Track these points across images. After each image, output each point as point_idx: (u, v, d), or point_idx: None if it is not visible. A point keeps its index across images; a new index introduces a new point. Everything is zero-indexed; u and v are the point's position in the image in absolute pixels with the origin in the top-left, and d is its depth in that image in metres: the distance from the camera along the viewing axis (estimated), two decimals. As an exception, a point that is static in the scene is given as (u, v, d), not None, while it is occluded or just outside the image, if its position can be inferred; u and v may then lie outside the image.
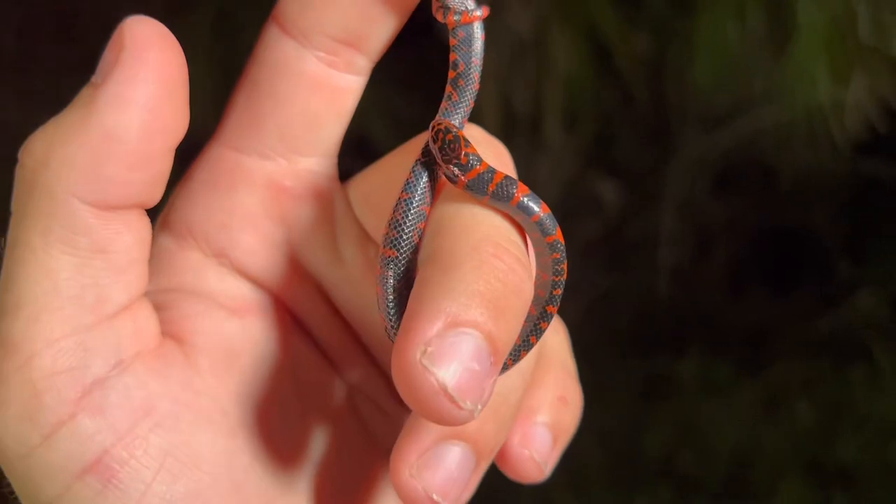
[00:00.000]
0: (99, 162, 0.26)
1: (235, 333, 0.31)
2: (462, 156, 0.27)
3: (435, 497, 0.27)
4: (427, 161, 0.28)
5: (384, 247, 0.28)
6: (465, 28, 0.29)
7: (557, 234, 0.28)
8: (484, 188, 0.27)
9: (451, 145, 0.27)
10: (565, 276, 0.28)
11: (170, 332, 0.30)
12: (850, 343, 1.17)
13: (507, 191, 0.27)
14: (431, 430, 0.28)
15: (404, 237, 0.28)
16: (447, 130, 0.28)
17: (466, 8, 0.29)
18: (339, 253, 0.32)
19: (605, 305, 1.17)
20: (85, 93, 0.27)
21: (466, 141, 0.28)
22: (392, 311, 0.28)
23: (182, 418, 0.29)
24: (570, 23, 1.08)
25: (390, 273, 0.27)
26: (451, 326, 0.23)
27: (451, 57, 0.29)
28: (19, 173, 0.27)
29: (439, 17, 0.29)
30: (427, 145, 0.28)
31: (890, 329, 1.17)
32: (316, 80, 0.30)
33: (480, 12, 0.29)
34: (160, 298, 0.31)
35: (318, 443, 0.32)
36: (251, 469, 0.30)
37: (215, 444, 0.29)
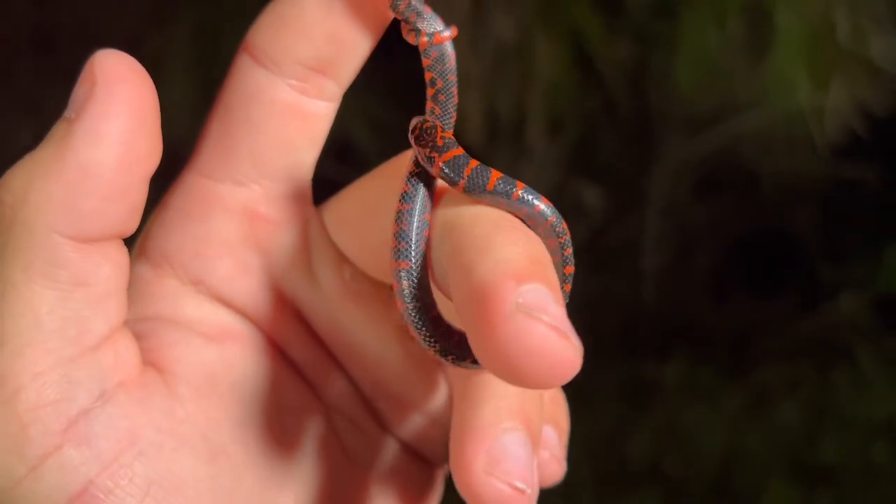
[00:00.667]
0: (77, 196, 0.27)
1: (214, 360, 0.32)
2: (438, 138, 0.28)
3: (520, 485, 0.27)
4: (420, 172, 0.28)
5: (395, 260, 0.28)
6: (437, 48, 0.29)
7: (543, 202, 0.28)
8: (460, 171, 0.27)
9: (429, 131, 0.28)
10: (570, 248, 0.29)
11: (150, 361, 0.31)
12: (833, 345, 1.17)
13: (483, 176, 0.27)
14: (487, 425, 0.28)
15: (413, 246, 0.28)
16: (424, 121, 0.29)
17: (436, 29, 0.29)
18: (314, 276, 0.33)
19: (590, 310, 1.17)
20: (59, 128, 0.27)
21: (444, 128, 0.28)
22: (418, 319, 0.28)
23: (165, 446, 0.29)
24: (553, 30, 1.08)
25: (406, 284, 0.28)
26: (521, 281, 0.23)
27: (427, 76, 0.30)
28: None
29: (411, 40, 0.29)
30: (416, 157, 0.28)
31: (871, 330, 1.18)
32: (288, 106, 0.31)
33: (450, 32, 0.29)
34: (139, 327, 0.32)
35: (298, 464, 0.33)
36: (234, 493, 0.31)
37: (198, 470, 0.30)
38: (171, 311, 0.32)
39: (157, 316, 0.32)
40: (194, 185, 0.32)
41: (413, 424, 0.35)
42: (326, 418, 0.34)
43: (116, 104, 0.27)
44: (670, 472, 1.11)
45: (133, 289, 0.32)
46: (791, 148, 1.09)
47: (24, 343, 0.27)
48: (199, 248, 0.32)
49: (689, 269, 1.27)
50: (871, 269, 1.21)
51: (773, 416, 1.14)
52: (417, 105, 0.30)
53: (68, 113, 0.27)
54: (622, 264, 1.25)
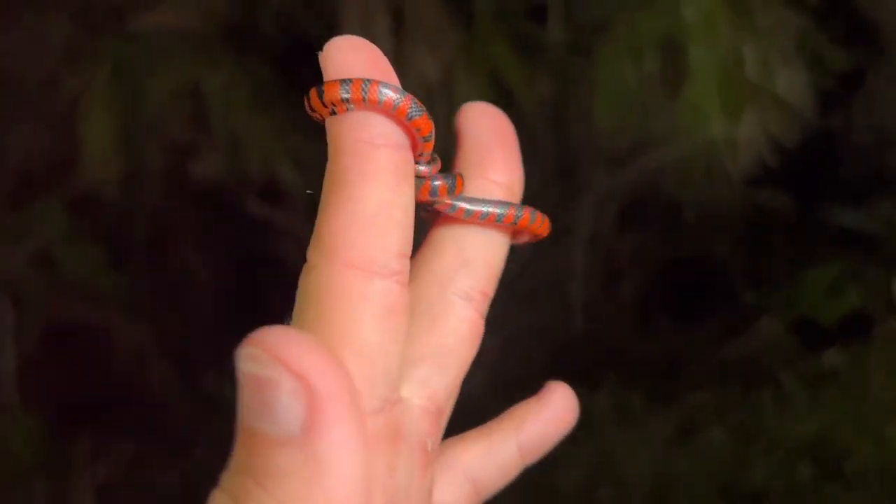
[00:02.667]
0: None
1: None
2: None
3: None
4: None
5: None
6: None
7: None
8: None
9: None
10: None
11: None
12: (757, 368, 1.20)
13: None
14: None
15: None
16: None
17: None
18: None
19: (519, 342, 1.18)
20: (285, 457, 0.23)
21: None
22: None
23: None
24: (475, 68, 1.10)
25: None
26: None
27: None
28: None
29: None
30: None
31: (792, 352, 1.21)
32: (404, 307, 0.27)
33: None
34: None
35: None
36: None
37: None
38: None
39: None
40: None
41: None
42: None
43: (332, 408, 0.23)
44: (602, 502, 1.12)
45: None
46: (709, 178, 1.13)
47: None
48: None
49: (615, 298, 1.30)
50: (789, 293, 1.25)
51: (702, 440, 1.16)
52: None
53: (283, 433, 0.23)
54: (550, 296, 1.27)
